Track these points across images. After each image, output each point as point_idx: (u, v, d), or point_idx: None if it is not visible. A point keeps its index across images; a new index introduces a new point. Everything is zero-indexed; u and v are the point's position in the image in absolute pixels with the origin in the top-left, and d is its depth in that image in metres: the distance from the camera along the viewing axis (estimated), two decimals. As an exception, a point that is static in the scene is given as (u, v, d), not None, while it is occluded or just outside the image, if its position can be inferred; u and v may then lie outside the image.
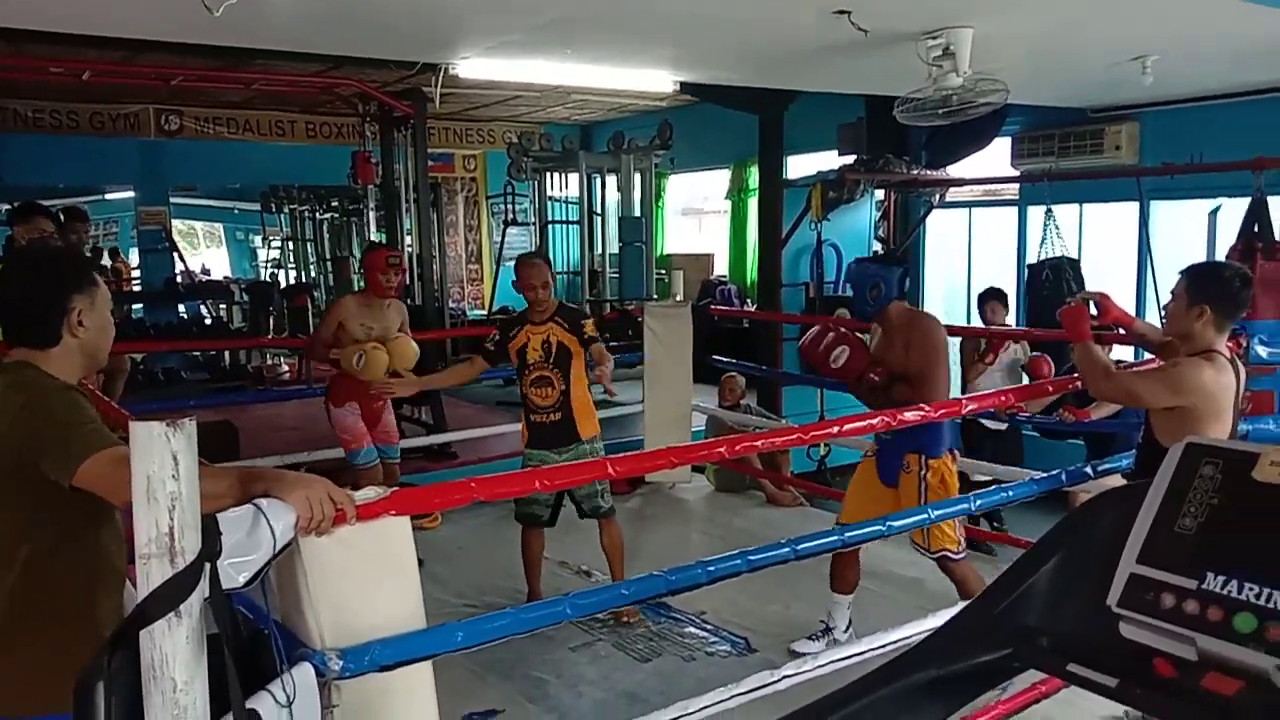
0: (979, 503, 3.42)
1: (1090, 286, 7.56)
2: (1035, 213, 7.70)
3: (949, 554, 3.75)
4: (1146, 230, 7.06)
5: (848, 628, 4.12)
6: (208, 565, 1.49)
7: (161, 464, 1.40)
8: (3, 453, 1.92)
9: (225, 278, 15.50)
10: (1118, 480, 3.61)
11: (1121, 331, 4.38)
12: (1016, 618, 1.31)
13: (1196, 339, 3.09)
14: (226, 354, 10.89)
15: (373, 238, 9.56)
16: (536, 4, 4.14)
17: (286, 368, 11.06)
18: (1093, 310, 3.47)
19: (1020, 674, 1.42)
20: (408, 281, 8.39)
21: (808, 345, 4.19)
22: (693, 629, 4.35)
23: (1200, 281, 3.12)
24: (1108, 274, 7.83)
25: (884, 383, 3.83)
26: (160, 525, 1.42)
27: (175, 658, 1.42)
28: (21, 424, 1.90)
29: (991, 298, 6.57)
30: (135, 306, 11.74)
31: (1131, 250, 7.42)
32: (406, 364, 4.98)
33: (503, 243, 11.96)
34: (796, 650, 3.99)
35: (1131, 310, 7.26)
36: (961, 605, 1.49)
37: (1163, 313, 3.29)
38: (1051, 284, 6.90)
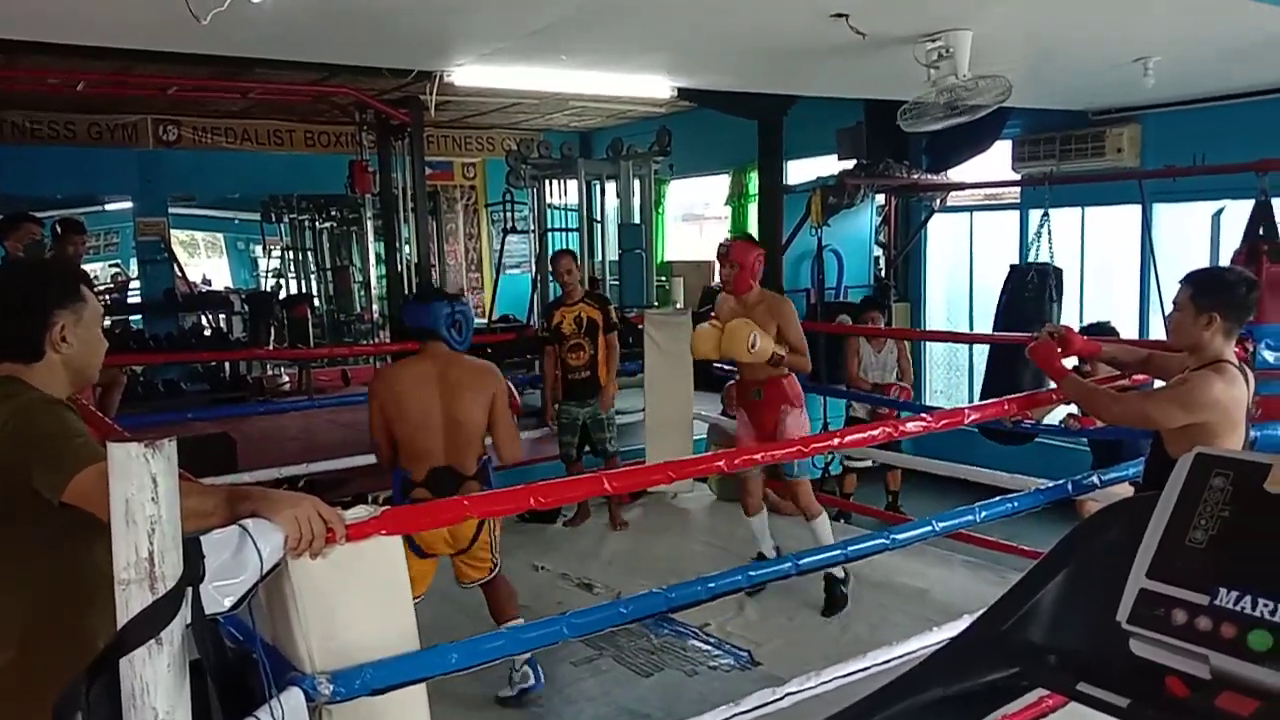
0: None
1: (1092, 294, 7.56)
2: (1036, 216, 7.66)
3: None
4: (1149, 234, 7.01)
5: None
6: (190, 590, 1.45)
7: (140, 486, 1.37)
8: None
9: (226, 288, 15.49)
10: (1126, 489, 3.56)
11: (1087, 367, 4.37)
12: (1024, 634, 1.28)
13: (1206, 349, 3.00)
14: (226, 365, 10.86)
15: (371, 247, 9.55)
16: (528, 10, 4.11)
17: (287, 379, 11.01)
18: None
19: (1029, 693, 1.38)
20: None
21: None
22: (696, 642, 4.30)
23: (1205, 289, 3.03)
24: (1110, 278, 7.80)
25: None
26: (140, 549, 1.38)
27: (156, 686, 1.39)
28: (7, 438, 1.87)
29: (871, 308, 7.27)
30: (134, 318, 11.72)
31: (1134, 254, 7.38)
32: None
33: (502, 251, 11.93)
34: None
35: (1135, 314, 7.32)
36: (968, 621, 1.45)
37: (1167, 324, 3.20)
38: (1034, 288, 6.85)
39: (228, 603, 1.56)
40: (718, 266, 4.82)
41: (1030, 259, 7.10)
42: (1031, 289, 6.81)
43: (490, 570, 3.71)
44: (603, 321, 5.82)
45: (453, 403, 3.55)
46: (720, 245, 4.81)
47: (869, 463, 6.82)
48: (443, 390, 3.56)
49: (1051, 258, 6.95)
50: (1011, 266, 7.19)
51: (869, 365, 6.92)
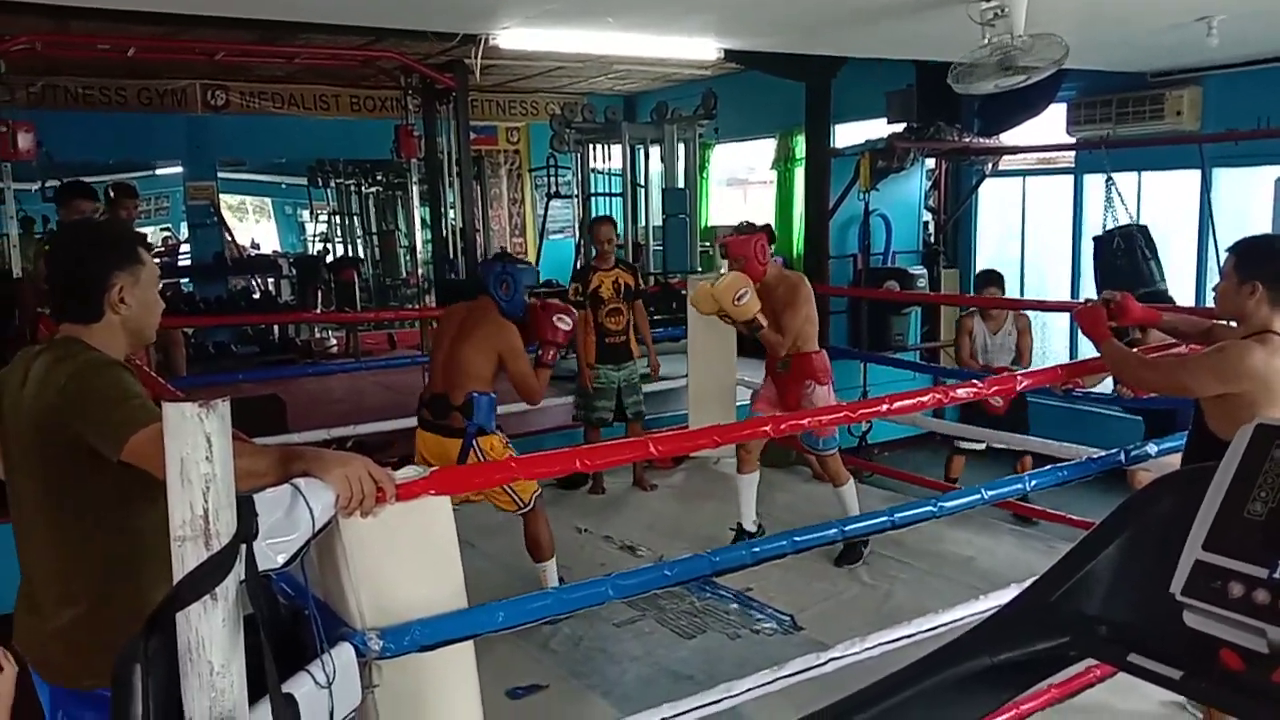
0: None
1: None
2: (1091, 181, 7.49)
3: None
4: (1208, 199, 6.83)
5: None
6: (244, 547, 1.48)
7: (195, 446, 1.39)
8: (50, 426, 1.94)
9: (274, 252, 15.68)
10: (1179, 460, 3.50)
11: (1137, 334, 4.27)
12: (1074, 604, 1.27)
13: (1251, 318, 2.94)
14: (275, 328, 11.03)
15: (416, 211, 9.60)
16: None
17: (334, 341, 11.16)
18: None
19: (1078, 663, 1.37)
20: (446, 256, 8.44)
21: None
22: (738, 605, 4.32)
23: (1249, 258, 2.97)
24: (1167, 245, 7.61)
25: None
26: (195, 507, 1.40)
27: (211, 641, 1.41)
28: (68, 398, 1.91)
29: (990, 283, 6.43)
30: (184, 281, 11.92)
31: (1193, 220, 7.19)
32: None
33: (546, 215, 11.92)
34: None
35: (1192, 283, 7.14)
36: (1017, 589, 1.44)
37: (1213, 293, 3.15)
38: (1124, 252, 6.69)
39: (280, 559, 1.58)
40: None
41: (1108, 225, 6.95)
42: (1122, 254, 6.65)
43: (517, 506, 4.06)
44: (635, 287, 5.92)
45: (457, 344, 4.03)
46: (720, 246, 4.99)
47: (980, 445, 6.15)
48: (457, 333, 4.06)
49: (1131, 218, 6.77)
50: (1095, 238, 7.04)
51: (984, 348, 6.31)
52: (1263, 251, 3.01)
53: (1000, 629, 1.34)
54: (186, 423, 1.39)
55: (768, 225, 5.10)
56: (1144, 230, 6.76)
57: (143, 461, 1.80)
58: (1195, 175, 6.87)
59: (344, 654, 1.75)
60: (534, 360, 4.14)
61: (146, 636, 1.41)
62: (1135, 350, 3.55)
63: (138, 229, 10.43)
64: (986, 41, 4.32)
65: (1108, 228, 6.96)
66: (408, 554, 1.94)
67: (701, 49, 6.29)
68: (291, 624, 1.73)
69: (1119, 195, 6.83)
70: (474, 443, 3.94)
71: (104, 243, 2.12)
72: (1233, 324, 3.11)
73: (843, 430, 6.92)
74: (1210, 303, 4.81)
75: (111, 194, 6.82)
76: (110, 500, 1.97)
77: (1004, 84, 4.54)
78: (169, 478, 1.42)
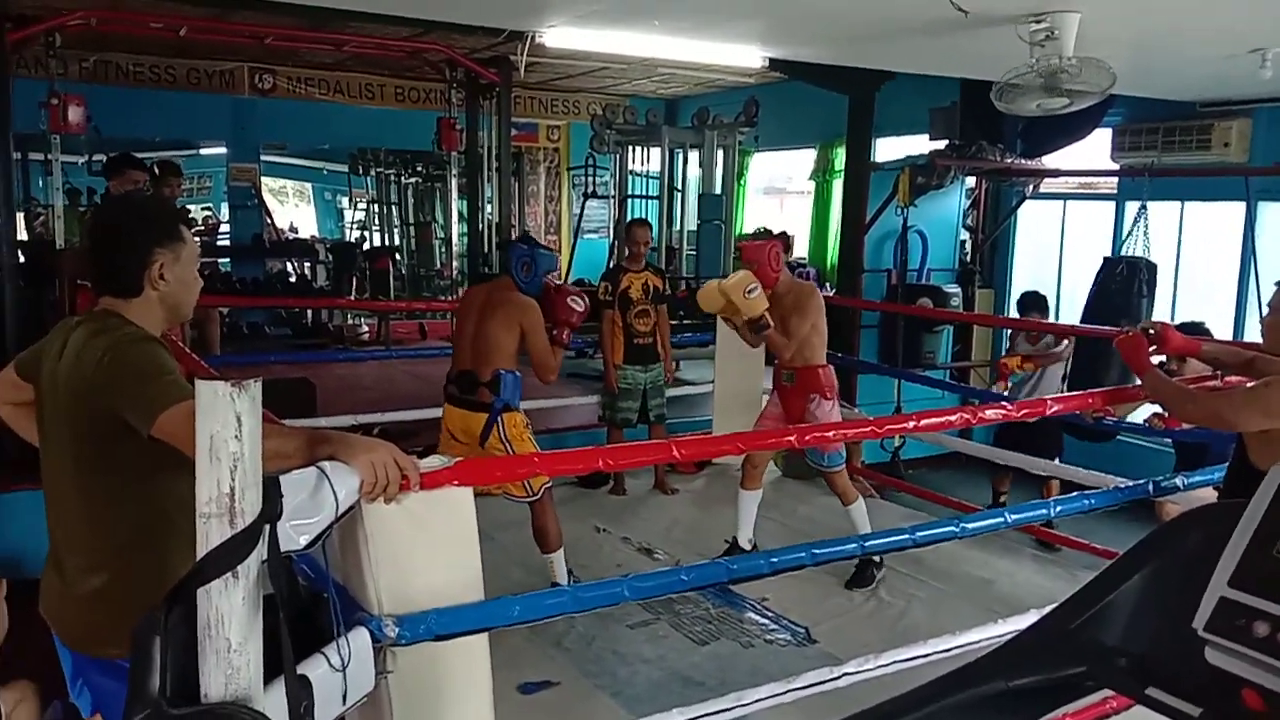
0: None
1: (1185, 292, 7.31)
2: (1133, 209, 7.41)
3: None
4: (1252, 234, 6.74)
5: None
6: (267, 527, 1.49)
7: (225, 424, 1.40)
8: (86, 398, 1.97)
9: (312, 237, 15.82)
10: (1210, 493, 3.45)
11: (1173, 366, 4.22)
12: (1094, 634, 1.25)
13: None
14: (309, 312, 11.12)
15: (454, 204, 9.67)
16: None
17: (366, 328, 11.23)
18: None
19: (1094, 693, 1.36)
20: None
21: None
22: (753, 615, 4.30)
23: None
24: (1207, 278, 7.51)
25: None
26: (221, 485, 1.42)
27: (230, 618, 1.43)
28: (104, 371, 1.94)
29: (1030, 307, 6.44)
30: (223, 261, 12.04)
31: (1235, 254, 7.09)
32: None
33: (581, 215, 11.95)
34: None
35: (1230, 318, 7.05)
36: (1037, 615, 1.42)
37: (1261, 327, 3.11)
38: (1122, 281, 6.64)
39: (303, 541, 1.60)
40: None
41: (1126, 252, 6.88)
42: (1119, 282, 6.60)
43: (525, 494, 4.12)
44: (662, 291, 5.94)
45: (483, 321, 4.12)
46: (735, 250, 4.92)
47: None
48: (481, 311, 4.15)
49: (1147, 251, 6.71)
50: (1105, 259, 6.98)
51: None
52: None
53: (1018, 654, 1.32)
54: (218, 401, 1.41)
55: (784, 233, 5.03)
56: (1150, 267, 6.68)
57: (172, 438, 1.82)
58: (1240, 208, 6.78)
59: (360, 638, 1.77)
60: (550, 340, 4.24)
61: (168, 609, 1.42)
62: (1176, 381, 3.50)
63: (180, 207, 10.59)
64: (1035, 62, 4.29)
65: (1121, 254, 6.91)
66: (428, 543, 1.95)
67: (746, 56, 6.28)
68: (310, 606, 1.74)
69: (1145, 227, 6.75)
70: (499, 418, 4.04)
71: (147, 218, 2.15)
72: (1277, 359, 3.07)
73: (873, 446, 6.90)
74: (1248, 337, 4.75)
75: (157, 171, 6.92)
76: (139, 473, 2.00)
77: (1047, 105, 4.51)
78: (198, 454, 1.43)
